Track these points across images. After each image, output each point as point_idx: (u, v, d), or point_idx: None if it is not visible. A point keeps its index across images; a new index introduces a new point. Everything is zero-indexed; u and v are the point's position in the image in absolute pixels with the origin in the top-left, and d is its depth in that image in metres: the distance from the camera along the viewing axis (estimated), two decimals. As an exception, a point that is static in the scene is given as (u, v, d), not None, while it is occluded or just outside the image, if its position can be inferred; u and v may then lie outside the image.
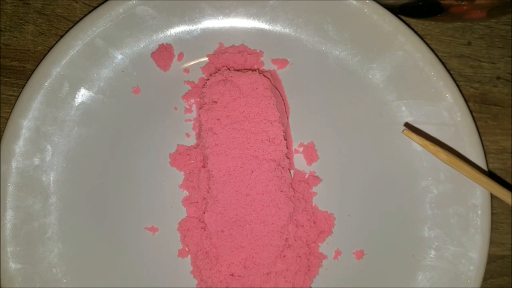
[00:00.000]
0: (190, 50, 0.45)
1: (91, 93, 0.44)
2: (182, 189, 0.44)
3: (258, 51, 0.45)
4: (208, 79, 0.43)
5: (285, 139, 0.42)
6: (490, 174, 0.45)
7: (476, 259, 0.42)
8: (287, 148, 0.42)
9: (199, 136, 0.44)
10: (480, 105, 0.48)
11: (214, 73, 0.44)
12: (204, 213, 0.41)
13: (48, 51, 0.44)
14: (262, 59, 0.45)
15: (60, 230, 0.43)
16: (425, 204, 0.43)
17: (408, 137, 0.40)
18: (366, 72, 0.45)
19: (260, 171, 0.41)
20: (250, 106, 0.42)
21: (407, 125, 0.44)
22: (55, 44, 0.44)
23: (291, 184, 0.42)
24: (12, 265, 0.41)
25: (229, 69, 0.44)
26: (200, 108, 0.43)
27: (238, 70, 0.44)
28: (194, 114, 0.45)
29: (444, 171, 0.43)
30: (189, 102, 0.45)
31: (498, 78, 0.48)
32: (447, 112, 0.43)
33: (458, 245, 0.42)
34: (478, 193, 0.42)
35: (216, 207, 0.40)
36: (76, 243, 0.43)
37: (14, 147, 0.42)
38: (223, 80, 0.42)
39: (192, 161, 0.44)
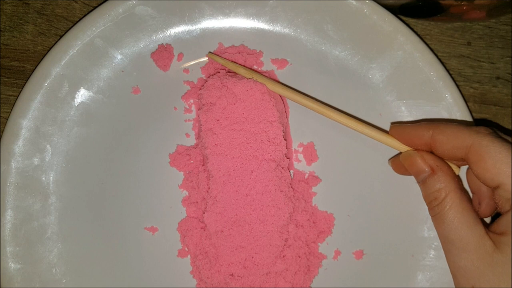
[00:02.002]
0: (190, 50, 0.45)
1: (91, 93, 0.44)
2: (181, 189, 0.44)
3: (257, 51, 0.45)
4: (206, 80, 0.43)
5: (285, 139, 0.42)
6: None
7: (475, 259, 0.42)
8: (286, 148, 0.42)
9: (198, 136, 0.44)
10: (479, 105, 0.48)
11: (212, 75, 0.43)
12: (204, 213, 0.41)
13: (48, 51, 0.44)
14: (261, 59, 0.45)
15: (60, 230, 0.43)
16: (425, 204, 0.43)
17: (213, 59, 0.42)
18: (366, 72, 0.45)
19: (260, 171, 0.41)
20: (248, 108, 0.42)
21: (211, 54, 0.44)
22: (54, 44, 0.44)
23: (290, 184, 0.42)
24: (12, 265, 0.41)
25: (227, 71, 0.44)
26: (199, 109, 0.43)
27: (233, 74, 0.43)
28: (193, 114, 0.45)
29: (444, 171, 0.43)
30: (188, 102, 0.45)
31: (498, 78, 0.48)
32: (446, 112, 0.43)
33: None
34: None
35: (215, 207, 0.40)
36: (76, 243, 0.43)
37: (13, 147, 0.42)
38: (220, 85, 0.42)
39: (192, 161, 0.44)
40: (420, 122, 0.38)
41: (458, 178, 0.36)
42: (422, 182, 0.36)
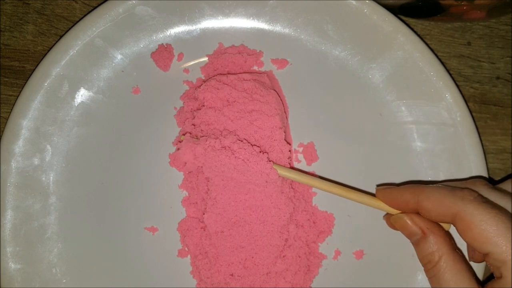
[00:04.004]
0: (190, 50, 0.45)
1: (91, 93, 0.44)
2: (181, 189, 0.44)
3: (257, 51, 0.45)
4: (199, 86, 0.43)
5: (285, 140, 0.42)
6: (490, 175, 0.45)
7: (475, 259, 0.42)
8: (286, 148, 0.42)
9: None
10: (479, 105, 0.48)
11: (197, 87, 0.43)
12: (204, 213, 0.41)
13: (48, 51, 0.44)
14: (261, 59, 0.45)
15: (60, 230, 0.43)
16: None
17: (186, 147, 0.40)
18: (366, 72, 0.45)
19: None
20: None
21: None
22: (54, 44, 0.44)
23: (291, 184, 0.42)
24: (12, 265, 0.41)
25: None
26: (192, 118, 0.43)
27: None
28: (193, 114, 0.45)
29: (444, 171, 0.43)
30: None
31: (498, 78, 0.48)
32: (446, 112, 0.43)
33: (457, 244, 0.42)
34: (477, 193, 0.42)
35: (215, 208, 0.40)
36: (76, 243, 0.43)
37: (13, 147, 0.42)
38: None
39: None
40: (405, 185, 0.37)
41: (450, 236, 0.36)
42: (415, 244, 0.36)
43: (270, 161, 0.39)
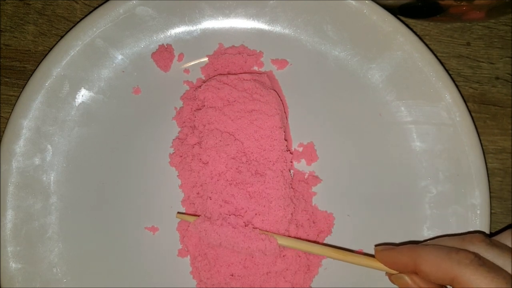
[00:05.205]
0: (190, 50, 0.45)
1: (92, 93, 0.44)
2: (181, 189, 0.44)
3: (258, 51, 0.45)
4: (199, 86, 0.43)
5: (285, 140, 0.42)
6: (490, 174, 0.45)
7: (475, 258, 0.42)
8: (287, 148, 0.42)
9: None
10: (479, 105, 0.48)
11: (198, 86, 0.43)
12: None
13: (49, 51, 0.44)
14: (261, 59, 0.45)
15: (61, 230, 0.43)
16: (424, 204, 0.43)
17: (183, 219, 0.41)
18: (366, 72, 0.45)
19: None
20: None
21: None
22: (55, 44, 0.44)
23: (291, 184, 0.42)
24: (13, 264, 0.42)
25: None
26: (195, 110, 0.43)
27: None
28: (194, 114, 0.45)
29: (443, 171, 0.43)
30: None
31: (497, 78, 0.48)
32: (446, 112, 0.43)
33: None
34: (477, 193, 0.42)
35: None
36: (76, 243, 0.43)
37: (14, 147, 0.43)
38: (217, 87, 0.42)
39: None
40: (403, 246, 0.37)
41: None
42: None
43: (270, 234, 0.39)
